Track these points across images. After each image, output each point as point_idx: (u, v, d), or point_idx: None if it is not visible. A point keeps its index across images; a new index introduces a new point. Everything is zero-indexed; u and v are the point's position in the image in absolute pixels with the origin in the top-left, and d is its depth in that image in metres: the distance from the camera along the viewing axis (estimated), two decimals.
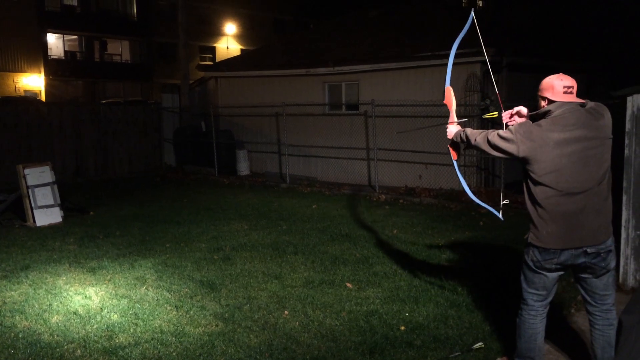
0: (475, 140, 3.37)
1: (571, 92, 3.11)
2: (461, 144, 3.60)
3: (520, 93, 10.08)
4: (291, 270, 5.90)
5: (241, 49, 39.67)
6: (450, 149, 3.67)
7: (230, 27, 40.30)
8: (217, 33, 39.98)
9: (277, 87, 13.65)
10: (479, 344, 3.98)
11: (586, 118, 3.04)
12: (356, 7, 19.01)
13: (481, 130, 3.40)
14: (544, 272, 3.20)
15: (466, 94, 10.50)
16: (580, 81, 3.73)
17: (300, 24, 41.38)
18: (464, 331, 4.26)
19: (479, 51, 9.98)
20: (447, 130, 3.64)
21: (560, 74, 3.18)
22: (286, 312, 4.73)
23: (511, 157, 3.22)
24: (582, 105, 3.09)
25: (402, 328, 4.34)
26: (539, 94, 3.20)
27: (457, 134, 3.55)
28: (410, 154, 11.04)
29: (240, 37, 41.08)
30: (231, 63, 16.57)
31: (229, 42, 40.66)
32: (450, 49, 3.89)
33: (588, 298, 3.28)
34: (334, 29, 15.92)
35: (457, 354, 3.88)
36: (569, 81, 3.12)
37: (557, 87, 3.11)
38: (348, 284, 5.40)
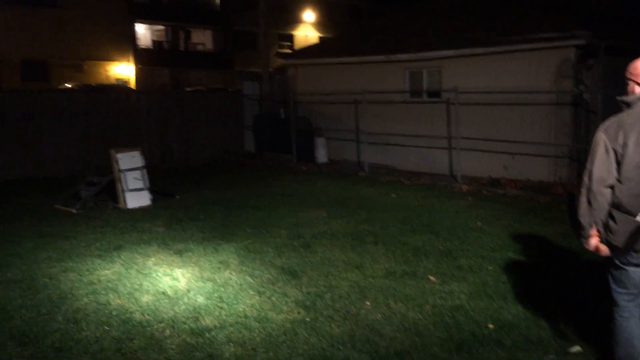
0: (581, 194, 3.04)
1: None
2: (587, 227, 3.08)
3: (617, 78, 9.40)
4: (372, 260, 5.82)
5: (319, 37, 39.75)
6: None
7: (309, 15, 40.44)
8: (295, 20, 40.28)
9: (355, 74, 13.52)
10: (577, 348, 3.73)
11: None
12: None
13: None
14: (630, 268, 2.96)
15: (558, 80, 9.90)
16: None
17: (376, 10, 40.85)
18: (557, 333, 4.01)
19: (573, 34, 9.41)
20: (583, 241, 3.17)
21: None
22: (368, 302, 4.66)
23: (610, 162, 2.92)
24: None
25: (491, 326, 4.15)
26: (631, 77, 2.93)
27: (580, 227, 3.11)
28: (494, 143, 10.60)
29: (318, 25, 41.17)
30: (310, 50, 16.62)
31: (307, 29, 40.87)
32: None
33: None
34: (412, 14, 15.52)
35: (552, 356, 3.65)
36: None
37: None
38: (431, 277, 5.25)
